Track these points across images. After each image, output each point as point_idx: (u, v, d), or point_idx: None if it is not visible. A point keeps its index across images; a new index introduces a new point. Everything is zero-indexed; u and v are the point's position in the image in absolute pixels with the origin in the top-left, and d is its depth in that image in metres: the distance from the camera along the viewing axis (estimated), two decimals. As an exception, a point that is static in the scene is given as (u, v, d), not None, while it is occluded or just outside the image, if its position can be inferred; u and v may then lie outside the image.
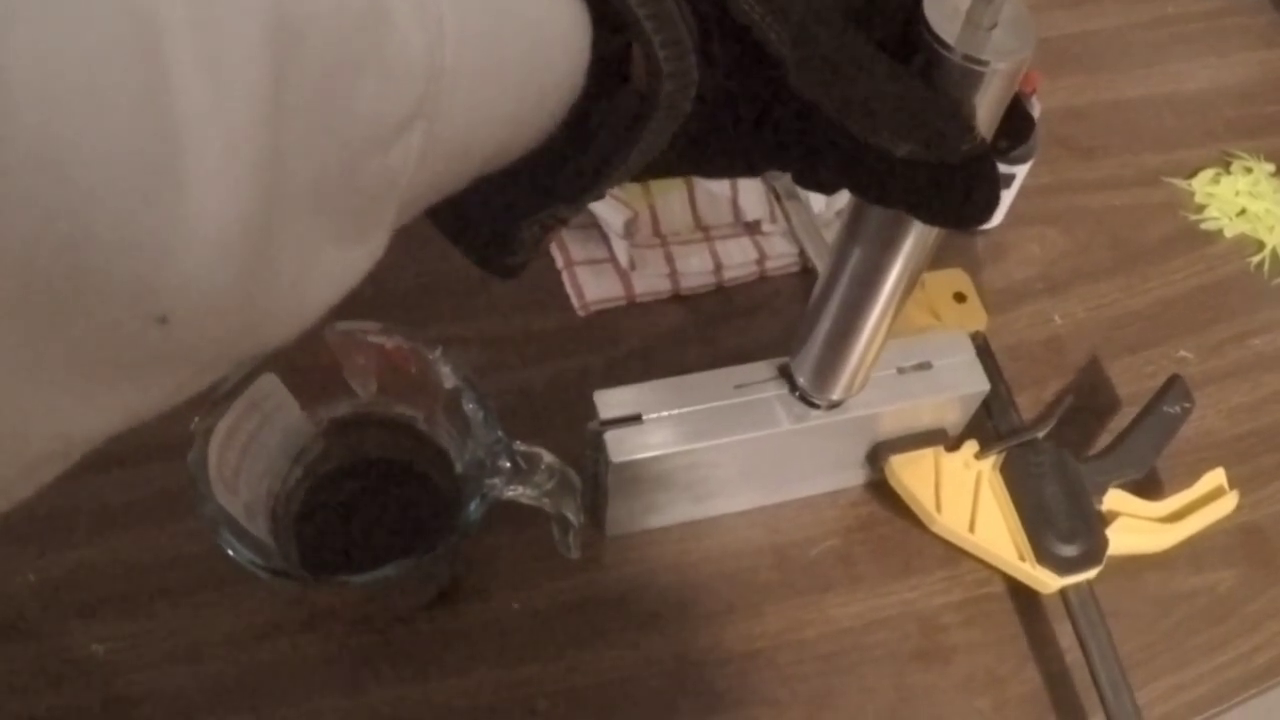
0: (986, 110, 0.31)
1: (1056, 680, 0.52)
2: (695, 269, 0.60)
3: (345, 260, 0.23)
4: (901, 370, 0.51)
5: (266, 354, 0.23)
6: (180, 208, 0.18)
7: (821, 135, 0.29)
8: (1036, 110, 0.60)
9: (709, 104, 0.28)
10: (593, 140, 0.27)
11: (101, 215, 0.17)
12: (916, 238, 0.38)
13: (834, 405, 0.49)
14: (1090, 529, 0.52)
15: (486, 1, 0.23)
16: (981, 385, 0.51)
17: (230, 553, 0.41)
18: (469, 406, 0.44)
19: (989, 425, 0.55)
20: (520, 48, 0.24)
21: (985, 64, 0.29)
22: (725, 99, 0.29)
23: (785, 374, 0.49)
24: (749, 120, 0.30)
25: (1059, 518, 0.52)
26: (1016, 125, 0.33)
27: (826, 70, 0.27)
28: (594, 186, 0.28)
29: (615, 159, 0.27)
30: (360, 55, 0.20)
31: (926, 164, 0.29)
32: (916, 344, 0.51)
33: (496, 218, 0.29)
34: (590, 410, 0.47)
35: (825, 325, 0.44)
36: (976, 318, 0.57)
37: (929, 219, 0.33)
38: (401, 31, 0.21)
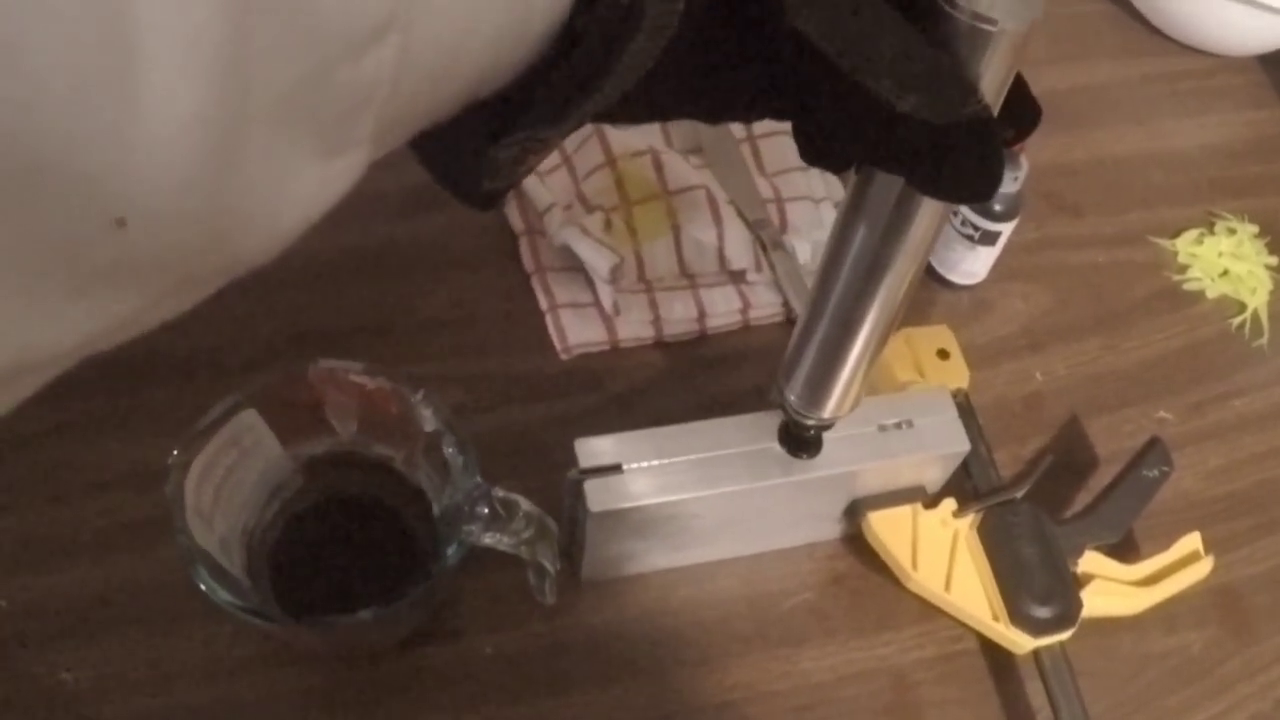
0: (991, 77, 0.30)
1: (1027, 739, 0.52)
2: (679, 316, 0.61)
3: (320, 176, 0.22)
4: (883, 428, 0.51)
5: (242, 273, 0.22)
6: (136, 102, 0.17)
7: (819, 82, 0.28)
8: (1024, 170, 0.61)
9: (698, 28, 0.27)
10: (575, 53, 0.26)
11: (53, 107, 0.16)
12: (922, 220, 0.36)
13: (825, 425, 0.47)
14: (1065, 591, 0.52)
15: None
16: (962, 445, 0.51)
17: (204, 588, 0.41)
18: (449, 451, 0.45)
19: (968, 483, 0.55)
20: None
21: (994, 23, 0.29)
22: (716, 25, 0.27)
23: (767, 427, 0.49)
24: (742, 53, 0.29)
25: (1034, 579, 0.52)
26: (1023, 111, 0.32)
27: (827, 10, 0.26)
28: (576, 105, 0.27)
29: (598, 75, 0.26)
30: None
31: (928, 126, 0.28)
32: (898, 402, 0.52)
33: (474, 137, 0.28)
34: (570, 454, 0.47)
35: (822, 325, 0.42)
36: (959, 375, 0.57)
37: (927, 188, 0.32)
38: None
